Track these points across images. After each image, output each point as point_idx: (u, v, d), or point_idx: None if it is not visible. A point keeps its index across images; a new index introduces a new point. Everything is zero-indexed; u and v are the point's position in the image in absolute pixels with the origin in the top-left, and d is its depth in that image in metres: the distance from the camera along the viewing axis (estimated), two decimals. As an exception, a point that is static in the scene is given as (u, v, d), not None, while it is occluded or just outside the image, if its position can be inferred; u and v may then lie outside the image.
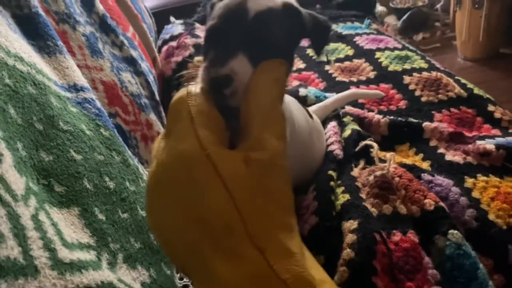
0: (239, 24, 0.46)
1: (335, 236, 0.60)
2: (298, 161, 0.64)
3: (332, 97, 0.94)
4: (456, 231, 0.58)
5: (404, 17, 2.98)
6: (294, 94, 0.99)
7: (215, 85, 0.42)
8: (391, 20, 3.16)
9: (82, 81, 0.67)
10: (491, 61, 2.53)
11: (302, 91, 1.00)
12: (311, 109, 0.88)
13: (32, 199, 0.43)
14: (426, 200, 0.64)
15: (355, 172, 0.73)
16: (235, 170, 0.31)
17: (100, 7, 0.97)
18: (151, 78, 1.08)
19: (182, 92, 0.37)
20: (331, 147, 0.77)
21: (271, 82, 0.38)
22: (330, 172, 0.70)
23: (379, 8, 2.73)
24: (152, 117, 0.96)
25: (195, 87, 0.38)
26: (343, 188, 0.68)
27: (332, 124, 0.85)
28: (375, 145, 0.75)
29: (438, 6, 3.13)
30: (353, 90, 0.95)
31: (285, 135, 0.36)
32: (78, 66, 0.74)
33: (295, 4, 0.51)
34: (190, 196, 0.31)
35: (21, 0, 0.63)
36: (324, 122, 0.89)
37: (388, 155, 0.70)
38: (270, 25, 0.47)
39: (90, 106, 0.64)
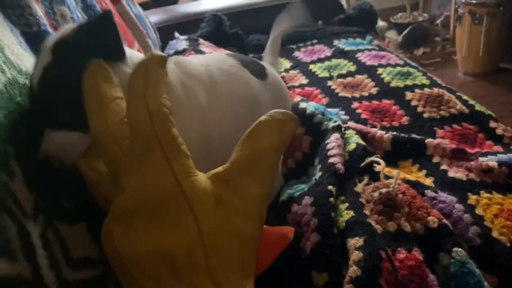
0: (32, 103, 0.45)
1: (338, 253, 0.60)
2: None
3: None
4: (460, 249, 0.59)
5: (405, 32, 3.02)
6: (295, 107, 1.00)
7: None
8: (392, 35, 3.19)
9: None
10: (491, 76, 2.55)
11: (302, 105, 1.00)
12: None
13: (41, 216, 0.43)
14: (430, 218, 0.64)
15: (359, 187, 0.73)
16: (207, 208, 0.32)
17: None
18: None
19: (141, 111, 0.34)
20: (333, 159, 0.77)
21: None
22: (330, 187, 0.70)
23: (380, 23, 2.76)
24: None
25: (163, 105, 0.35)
26: (347, 204, 0.68)
27: (335, 136, 0.85)
28: (381, 161, 0.75)
29: (438, 21, 3.16)
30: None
31: (271, 185, 0.36)
32: (85, 82, 0.75)
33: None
34: (160, 227, 0.32)
35: (31, 19, 0.65)
36: (322, 130, 0.89)
37: (395, 172, 0.70)
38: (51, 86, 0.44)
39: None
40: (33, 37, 0.64)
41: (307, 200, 0.69)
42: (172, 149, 0.33)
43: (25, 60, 0.54)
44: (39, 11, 0.66)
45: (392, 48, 2.83)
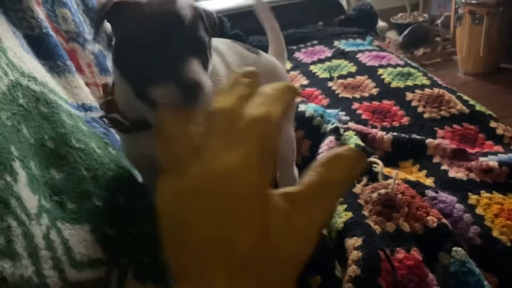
0: (178, 30, 0.46)
1: (331, 254, 0.61)
2: None
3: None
4: (460, 248, 0.59)
5: (405, 32, 3.02)
6: (295, 109, 1.00)
7: (191, 94, 0.41)
8: (392, 35, 3.19)
9: (90, 100, 0.69)
10: (491, 76, 2.55)
11: (302, 107, 1.01)
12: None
13: (44, 217, 0.44)
14: (429, 217, 0.64)
15: (357, 188, 0.74)
16: (276, 222, 0.32)
17: (107, 25, 0.98)
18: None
19: (258, 112, 0.35)
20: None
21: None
22: None
23: (380, 23, 2.77)
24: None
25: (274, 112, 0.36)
26: (345, 205, 0.69)
27: (330, 139, 0.85)
28: (379, 162, 0.75)
29: (439, 21, 3.17)
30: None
31: (331, 215, 0.38)
32: (87, 83, 0.76)
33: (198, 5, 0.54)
34: (228, 215, 0.31)
35: (33, 21, 0.65)
36: (321, 133, 0.89)
37: (393, 173, 0.71)
38: (201, 28, 0.50)
39: (97, 125, 0.65)
40: (35, 40, 0.64)
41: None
42: (269, 158, 0.34)
43: (27, 62, 0.55)
44: (40, 13, 0.66)
45: (392, 48, 2.83)
